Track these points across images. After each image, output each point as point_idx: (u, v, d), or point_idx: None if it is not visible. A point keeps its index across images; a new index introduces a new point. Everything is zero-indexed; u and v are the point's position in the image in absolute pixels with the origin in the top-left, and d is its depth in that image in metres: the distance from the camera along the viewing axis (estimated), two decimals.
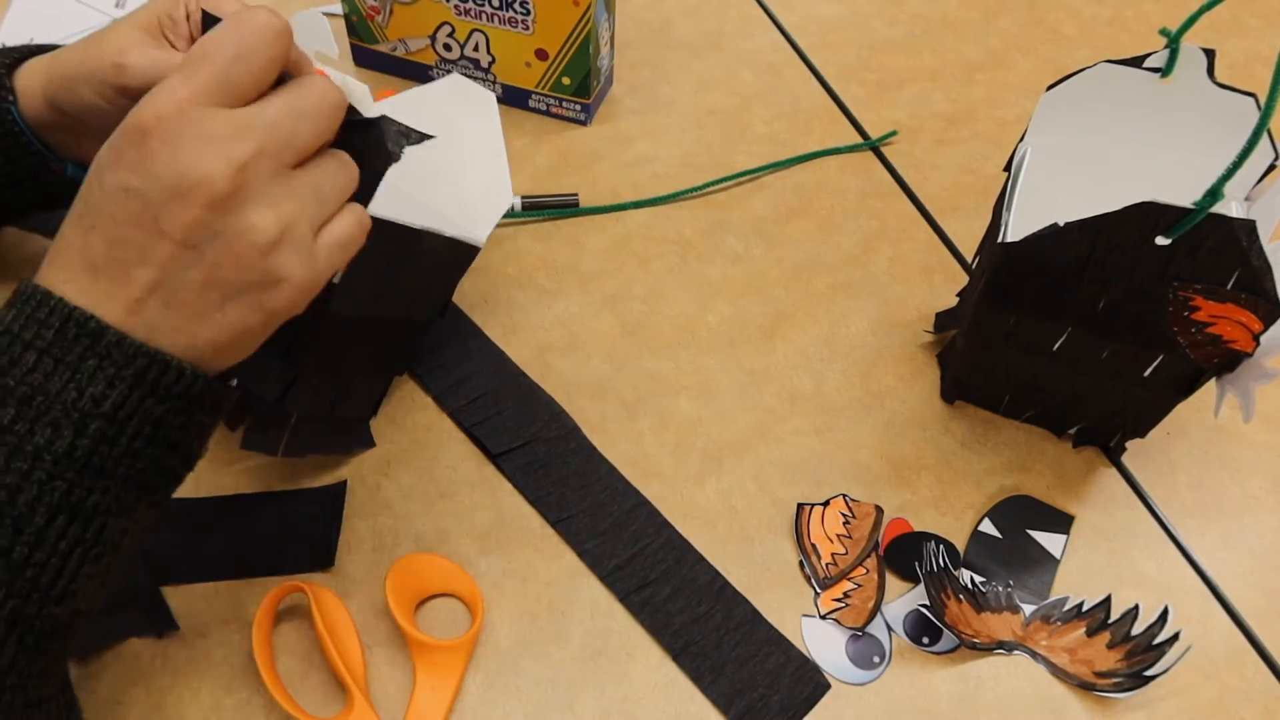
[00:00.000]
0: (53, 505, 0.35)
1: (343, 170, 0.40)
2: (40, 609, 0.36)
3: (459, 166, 0.54)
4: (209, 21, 0.48)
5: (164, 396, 0.36)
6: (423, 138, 0.46)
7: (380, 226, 0.46)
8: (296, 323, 0.49)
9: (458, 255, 0.54)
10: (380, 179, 0.44)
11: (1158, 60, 0.52)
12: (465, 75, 0.71)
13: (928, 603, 0.52)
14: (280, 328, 0.51)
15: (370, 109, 0.43)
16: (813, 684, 0.50)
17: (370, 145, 0.44)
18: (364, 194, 0.45)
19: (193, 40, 0.50)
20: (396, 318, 0.54)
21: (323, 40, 0.43)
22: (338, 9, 0.79)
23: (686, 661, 0.51)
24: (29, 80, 0.52)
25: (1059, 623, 0.52)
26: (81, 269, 0.36)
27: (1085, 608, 0.52)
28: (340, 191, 0.40)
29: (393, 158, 0.44)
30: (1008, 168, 0.56)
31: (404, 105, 0.54)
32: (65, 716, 0.39)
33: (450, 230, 0.51)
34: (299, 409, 0.52)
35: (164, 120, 0.35)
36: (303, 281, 0.38)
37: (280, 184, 0.37)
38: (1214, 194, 0.43)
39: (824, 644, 0.52)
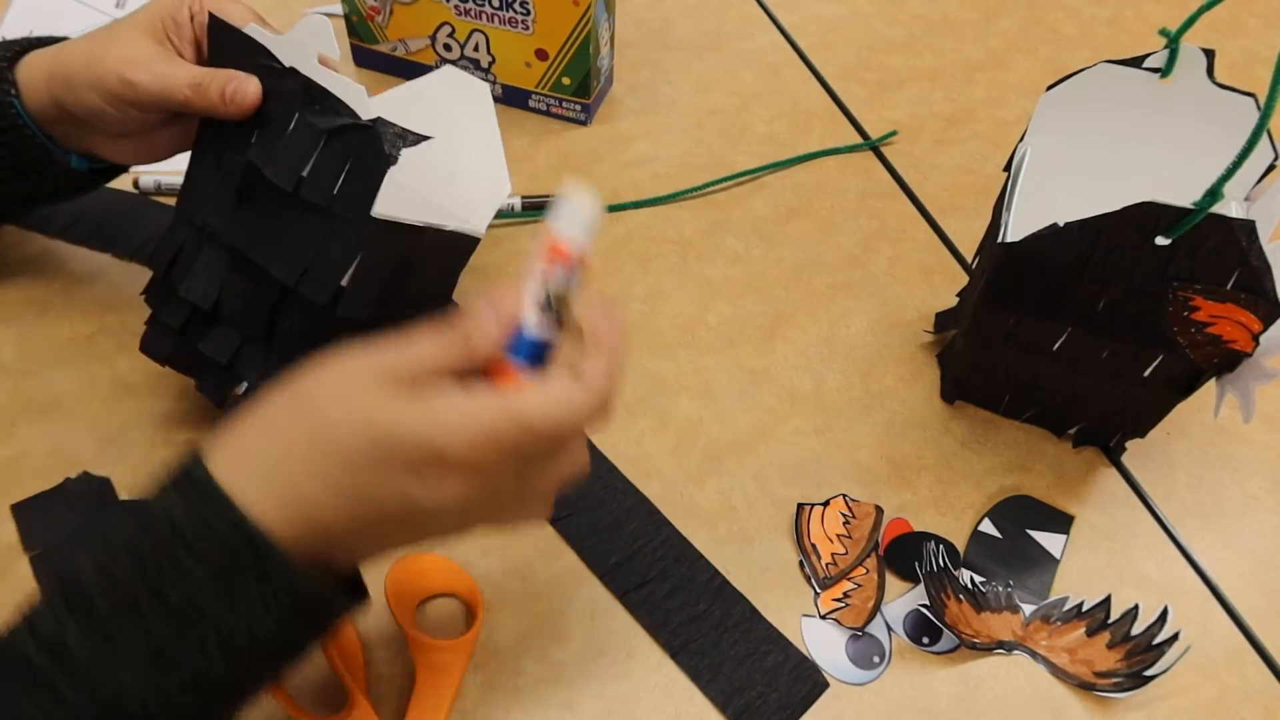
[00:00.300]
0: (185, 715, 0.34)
1: (582, 458, 0.39)
2: None
3: (456, 158, 0.54)
4: (216, 27, 0.48)
5: (314, 625, 0.36)
6: (419, 139, 0.46)
7: (385, 227, 0.46)
8: (304, 327, 0.49)
9: (459, 247, 0.54)
10: (380, 181, 0.44)
11: (1158, 60, 0.52)
12: None
13: (928, 603, 0.52)
14: (287, 332, 0.51)
15: (368, 111, 0.43)
16: (811, 682, 0.50)
17: (369, 147, 0.44)
18: (366, 197, 0.45)
19: (197, 43, 0.50)
20: (400, 317, 0.54)
21: (325, 43, 0.43)
22: (338, 9, 0.79)
23: (685, 659, 0.51)
24: (31, 73, 0.51)
25: (1059, 623, 0.52)
26: (301, 523, 0.34)
27: (1085, 608, 0.52)
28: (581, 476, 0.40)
29: (390, 160, 0.44)
30: (1008, 168, 0.56)
31: (399, 99, 0.54)
32: None
33: (452, 224, 0.51)
34: None
35: (492, 467, 0.34)
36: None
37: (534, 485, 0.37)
38: (1214, 194, 0.43)
39: (824, 644, 0.51)
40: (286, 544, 0.33)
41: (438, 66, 0.58)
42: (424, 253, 0.50)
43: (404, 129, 0.46)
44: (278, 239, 0.48)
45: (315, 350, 0.49)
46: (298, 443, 0.33)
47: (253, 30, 0.47)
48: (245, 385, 0.51)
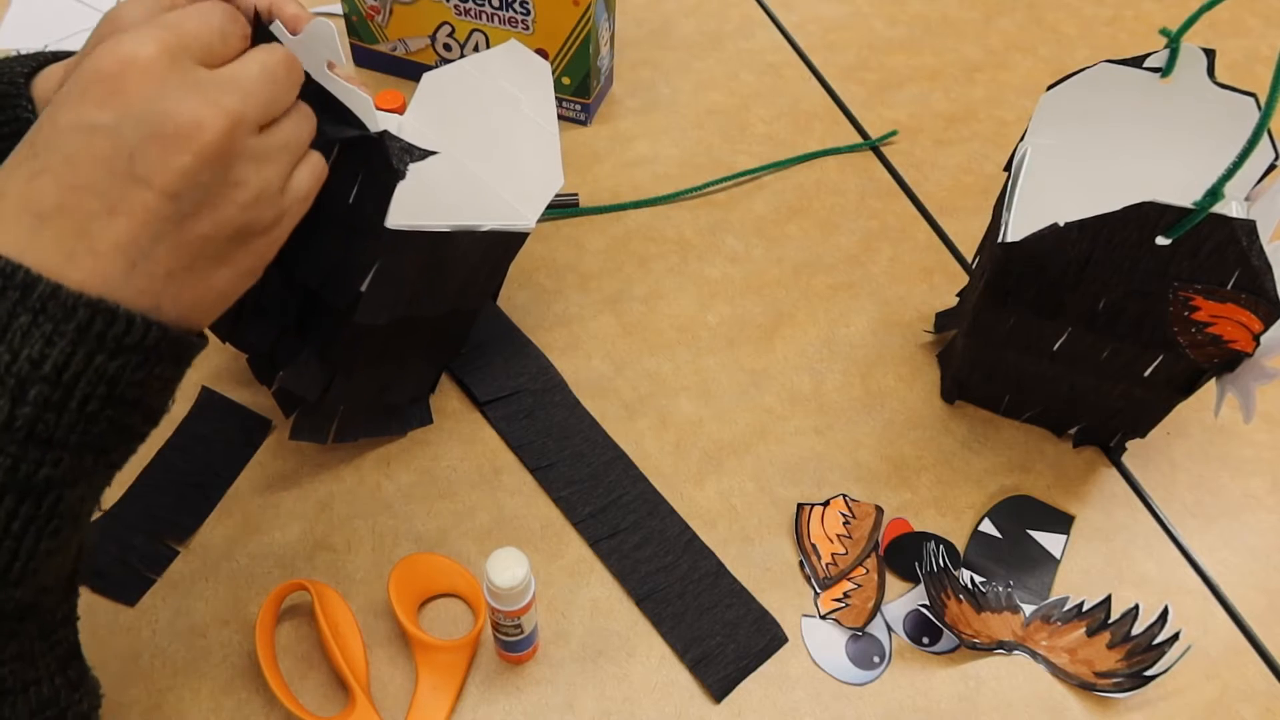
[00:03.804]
0: None
1: (305, 122, 0.39)
2: None
3: (516, 144, 0.53)
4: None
5: (115, 350, 0.32)
6: (425, 154, 0.46)
7: (404, 236, 0.46)
8: (334, 324, 0.49)
9: (504, 243, 0.54)
10: (390, 194, 0.44)
11: (1158, 60, 0.52)
12: None
13: (928, 603, 0.52)
14: (318, 332, 0.51)
15: (375, 123, 0.43)
16: (770, 635, 0.51)
17: (377, 161, 0.44)
18: (379, 207, 0.45)
19: None
20: (440, 313, 0.54)
21: (331, 49, 0.43)
22: (338, 9, 0.79)
23: (649, 607, 0.52)
24: (47, 88, 0.51)
25: (1059, 623, 0.52)
26: (20, 220, 0.32)
27: (1085, 608, 0.52)
28: (303, 145, 0.39)
29: (399, 175, 0.44)
30: (1008, 168, 0.56)
31: (465, 72, 0.53)
32: (65, 698, 0.36)
33: (489, 223, 0.51)
34: (343, 404, 0.53)
35: (140, 63, 0.32)
36: (275, 236, 0.37)
37: (260, 141, 0.36)
38: (1214, 194, 0.43)
39: (824, 644, 0.52)
40: (71, 285, 0.32)
41: (437, 67, 0.58)
42: (459, 253, 0.50)
43: (410, 144, 0.46)
44: (303, 243, 0.48)
45: (345, 345, 0.49)
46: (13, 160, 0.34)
47: (276, 29, 0.47)
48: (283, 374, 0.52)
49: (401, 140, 0.45)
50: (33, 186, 0.32)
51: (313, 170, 0.40)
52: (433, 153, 0.46)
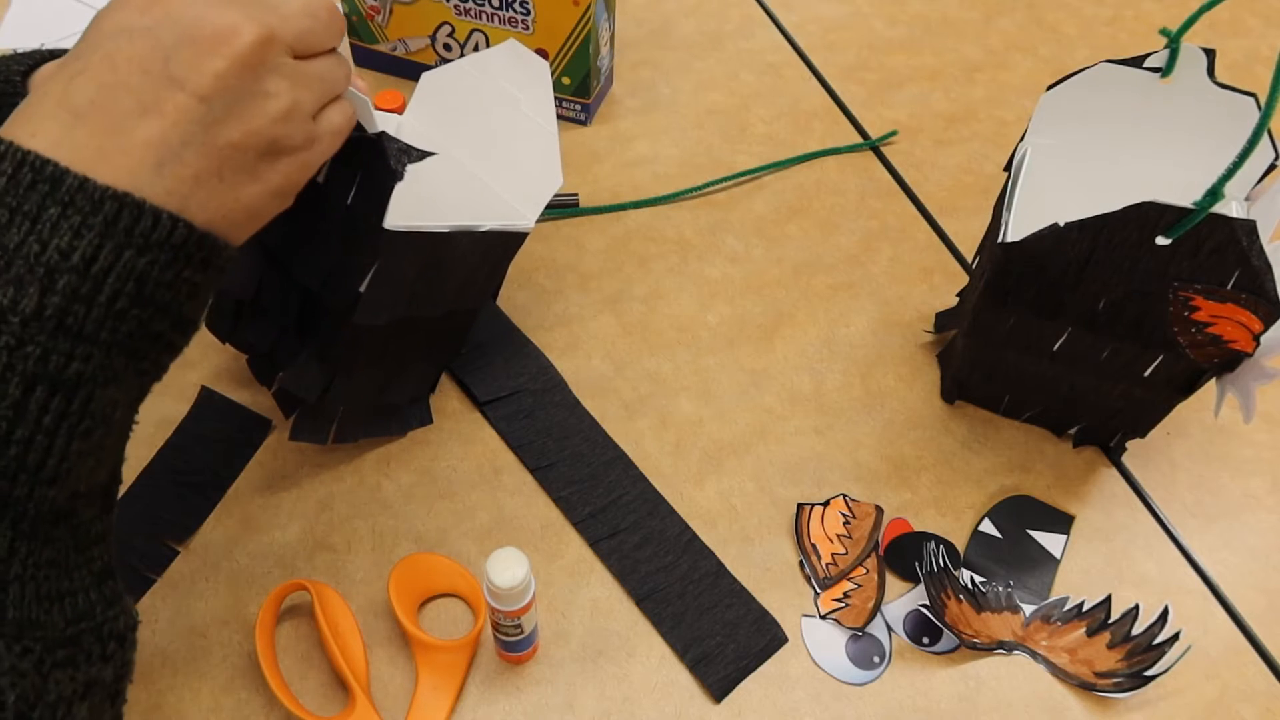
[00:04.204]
0: (28, 374, 0.31)
1: (341, 67, 0.39)
2: (31, 490, 0.33)
3: (515, 144, 0.54)
4: None
5: (143, 247, 0.33)
6: (422, 155, 0.46)
7: (402, 237, 0.46)
8: (333, 325, 0.49)
9: (504, 243, 0.54)
10: (388, 195, 0.44)
11: (1158, 60, 0.52)
12: None
13: (928, 603, 0.52)
14: (319, 332, 0.51)
15: (373, 124, 0.43)
16: (770, 635, 0.51)
17: (375, 162, 0.44)
18: (378, 208, 0.45)
19: None
20: (439, 314, 0.54)
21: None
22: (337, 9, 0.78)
23: (649, 607, 0.52)
24: None
25: (1059, 623, 0.52)
26: (57, 117, 0.32)
27: (1085, 608, 0.52)
28: (338, 85, 0.39)
29: (396, 176, 0.44)
30: (1008, 168, 0.56)
31: (464, 71, 0.53)
32: (101, 613, 0.36)
33: (488, 224, 0.51)
34: (343, 404, 0.53)
35: None
36: (304, 160, 0.38)
37: (294, 65, 0.36)
38: (1214, 194, 0.43)
39: (824, 644, 0.52)
40: (102, 181, 0.32)
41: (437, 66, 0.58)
42: (458, 253, 0.51)
43: (408, 145, 0.46)
44: (302, 243, 0.49)
45: (344, 346, 0.49)
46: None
47: None
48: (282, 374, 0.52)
49: (399, 141, 0.45)
50: (72, 86, 0.33)
51: (345, 111, 0.40)
52: (431, 154, 0.46)
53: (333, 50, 0.39)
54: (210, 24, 0.33)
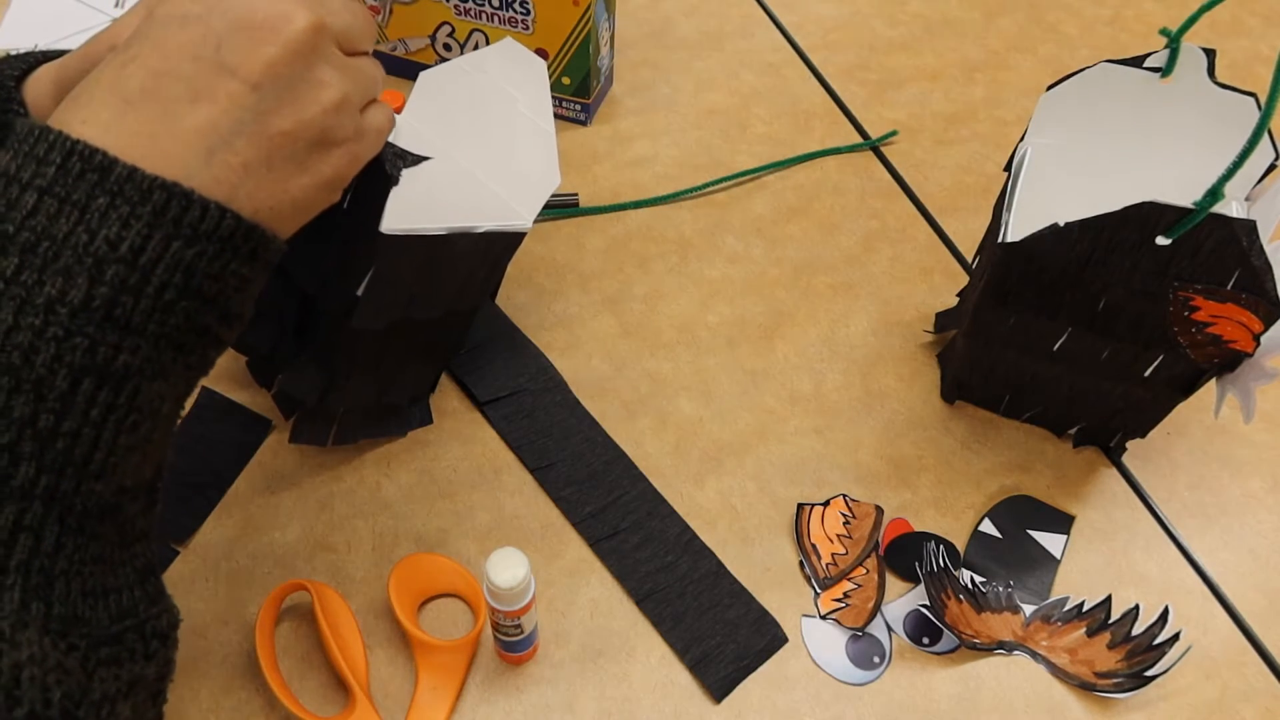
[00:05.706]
0: (76, 366, 0.31)
1: (379, 68, 0.39)
2: (78, 485, 0.32)
3: (513, 144, 0.53)
4: None
5: (191, 238, 0.32)
6: (418, 159, 0.46)
7: (399, 240, 0.46)
8: (331, 328, 0.49)
9: (501, 244, 0.54)
10: (385, 198, 0.44)
11: (1158, 60, 0.52)
12: None
13: (928, 603, 0.52)
14: (317, 334, 0.51)
15: None
16: (769, 635, 0.51)
17: (371, 166, 0.44)
18: (374, 212, 0.45)
19: None
20: (437, 315, 0.54)
21: None
22: None
23: (649, 607, 0.52)
24: (37, 90, 0.51)
25: (1059, 623, 0.52)
26: (109, 104, 0.32)
27: (1085, 608, 0.52)
28: (377, 85, 0.39)
29: (391, 181, 0.44)
30: (1008, 168, 0.56)
31: (461, 70, 0.53)
32: (144, 610, 0.35)
33: (486, 224, 0.51)
34: (343, 406, 0.53)
35: None
36: (354, 152, 0.37)
37: (341, 58, 0.36)
38: (1214, 194, 0.43)
39: (824, 644, 0.52)
40: (149, 170, 0.32)
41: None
42: (456, 255, 0.50)
43: (403, 149, 0.46)
44: (301, 247, 0.48)
45: (343, 348, 0.49)
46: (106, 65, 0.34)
47: None
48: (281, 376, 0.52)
49: (395, 146, 0.45)
50: (124, 73, 0.33)
51: (386, 111, 0.40)
52: (427, 158, 0.46)
53: (369, 54, 0.39)
54: (262, 11, 0.33)
